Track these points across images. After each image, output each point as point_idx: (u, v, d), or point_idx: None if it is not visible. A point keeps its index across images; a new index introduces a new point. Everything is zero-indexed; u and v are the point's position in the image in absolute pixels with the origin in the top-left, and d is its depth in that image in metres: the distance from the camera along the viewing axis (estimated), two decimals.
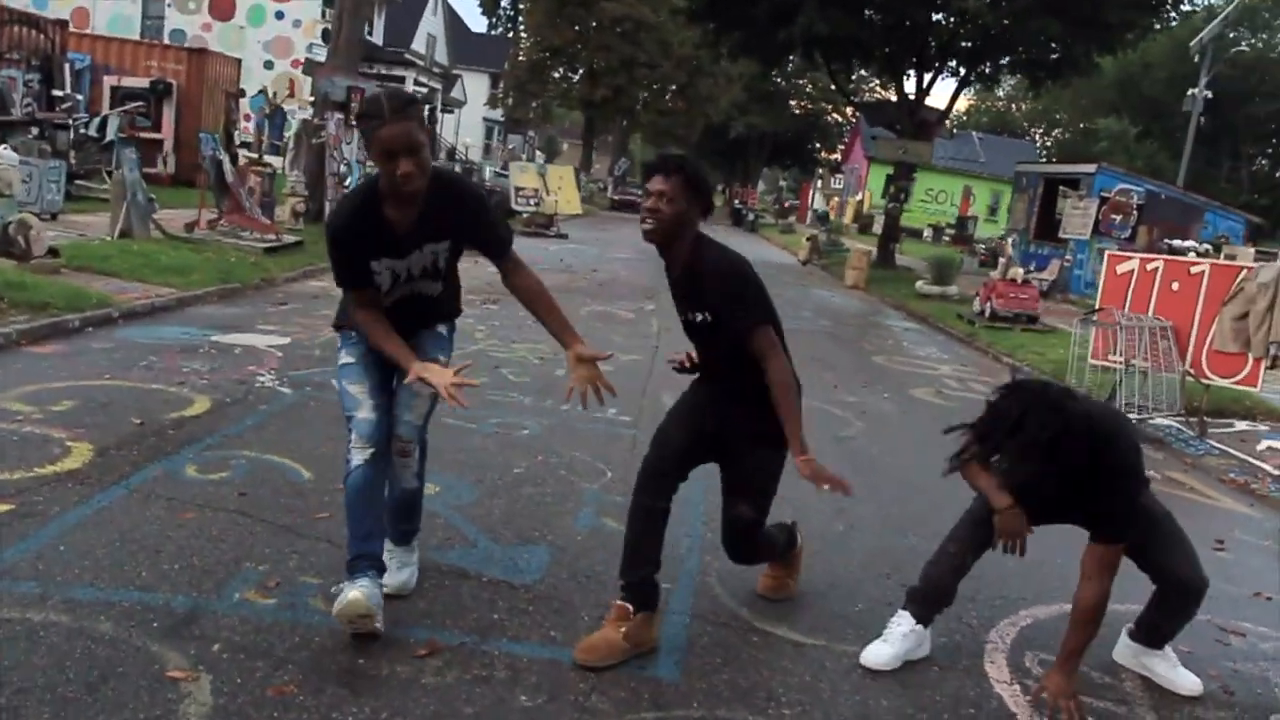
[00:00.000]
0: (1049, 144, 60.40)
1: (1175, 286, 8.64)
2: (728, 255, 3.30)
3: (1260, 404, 9.11)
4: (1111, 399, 8.74)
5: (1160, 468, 7.22)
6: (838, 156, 62.63)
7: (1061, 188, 21.95)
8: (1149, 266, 8.92)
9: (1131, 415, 8.29)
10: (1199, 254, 17.98)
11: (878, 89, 45.58)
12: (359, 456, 3.14)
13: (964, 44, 22.29)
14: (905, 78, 22.78)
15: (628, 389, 7.19)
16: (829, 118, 62.64)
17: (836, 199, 53.08)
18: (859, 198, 47.33)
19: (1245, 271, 8.31)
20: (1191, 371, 8.46)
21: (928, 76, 23.13)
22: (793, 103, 60.36)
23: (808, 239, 26.64)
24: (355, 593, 2.98)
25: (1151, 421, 8.34)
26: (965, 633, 3.82)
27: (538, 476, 4.96)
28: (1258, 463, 7.61)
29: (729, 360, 3.35)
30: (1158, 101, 47.84)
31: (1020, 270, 14.64)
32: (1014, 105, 64.82)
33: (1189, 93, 34.00)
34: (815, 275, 22.40)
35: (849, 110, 58.98)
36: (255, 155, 17.10)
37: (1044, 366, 11.11)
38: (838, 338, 12.33)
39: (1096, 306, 9.24)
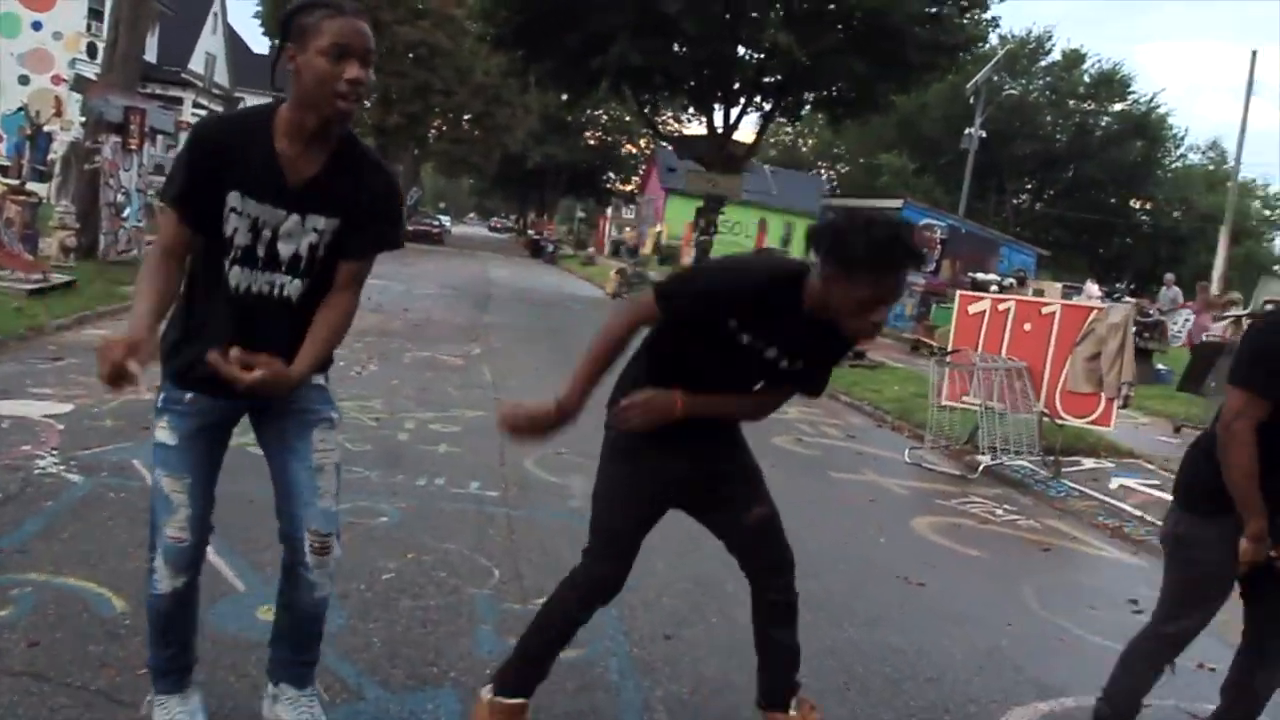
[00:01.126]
0: (834, 178, 63.06)
1: (1027, 327, 8.62)
2: None
3: (1102, 441, 9.21)
4: (971, 441, 8.63)
5: (1034, 514, 7.09)
6: (633, 188, 63.28)
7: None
8: (1000, 307, 8.88)
9: (985, 455, 8.17)
10: (1002, 287, 18.77)
11: (685, 121, 46.55)
12: (165, 583, 2.49)
13: (770, 79, 22.58)
14: (714, 111, 22.84)
15: (483, 455, 6.43)
16: (624, 149, 63.18)
17: (633, 230, 53.42)
18: (658, 229, 47.71)
19: (1096, 312, 8.38)
20: (1046, 412, 8.43)
21: (735, 110, 23.34)
22: (588, 134, 60.53)
23: (616, 271, 26.32)
24: None
25: (1010, 464, 8.23)
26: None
27: (413, 583, 4.08)
28: (1118, 503, 7.59)
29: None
30: (933, 140, 50.78)
31: None
32: (800, 140, 67.44)
33: (966, 131, 36.22)
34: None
35: (643, 143, 59.88)
36: (15, 182, 15.05)
37: (884, 405, 11.03)
38: None
39: (950, 348, 9.13)
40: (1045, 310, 8.63)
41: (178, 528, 2.46)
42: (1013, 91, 44.73)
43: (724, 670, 3.61)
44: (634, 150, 62.79)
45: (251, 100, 44.47)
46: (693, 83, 22.82)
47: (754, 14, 20.46)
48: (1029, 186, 53.15)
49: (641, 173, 60.85)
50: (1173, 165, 53.50)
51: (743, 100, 23.55)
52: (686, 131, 28.91)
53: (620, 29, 19.35)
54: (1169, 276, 23.28)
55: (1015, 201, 51.78)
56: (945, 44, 19.91)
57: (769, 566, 2.96)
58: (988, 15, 20.58)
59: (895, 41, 19.16)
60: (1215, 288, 30.98)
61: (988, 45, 22.01)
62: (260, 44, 54.21)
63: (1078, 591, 5.42)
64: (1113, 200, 50.60)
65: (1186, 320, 17.68)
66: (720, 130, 23.07)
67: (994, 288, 18.70)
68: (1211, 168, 55.29)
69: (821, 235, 2.51)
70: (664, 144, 33.91)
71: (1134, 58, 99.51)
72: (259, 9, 47.99)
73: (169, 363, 2.48)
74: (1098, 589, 5.52)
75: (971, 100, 37.45)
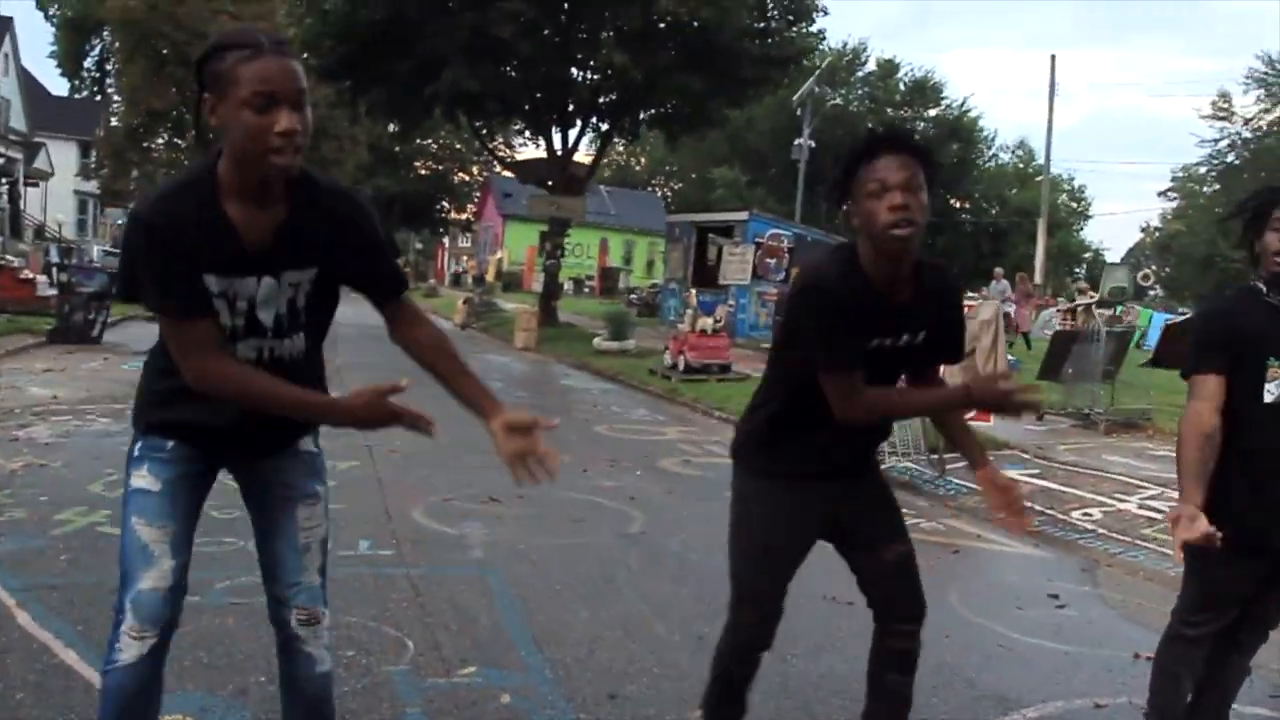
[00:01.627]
0: (669, 194, 63.79)
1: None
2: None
3: (977, 435, 9.33)
4: None
5: (933, 515, 7.06)
6: (468, 216, 62.37)
7: (711, 235, 22.73)
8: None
9: (881, 462, 8.15)
10: None
11: (517, 147, 46.25)
12: (132, 648, 2.15)
13: (605, 99, 22.52)
14: (552, 133, 22.60)
15: (365, 509, 5.97)
16: (456, 177, 62.22)
17: (472, 259, 52.70)
18: (498, 256, 47.16)
19: (967, 309, 8.49)
20: None
21: (573, 132, 23.19)
22: (418, 163, 59.33)
23: (464, 301, 25.79)
24: None
25: (898, 466, 8.25)
26: None
27: None
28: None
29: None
30: (762, 152, 52.03)
31: (710, 320, 14.63)
32: (633, 160, 68.00)
33: (795, 142, 37.39)
34: (478, 339, 21.53)
35: (476, 170, 59.14)
36: None
37: None
38: (545, 409, 11.47)
39: None
40: None
41: (157, 576, 2.19)
42: (837, 102, 46.28)
43: None
44: (466, 178, 61.91)
45: (54, 145, 41.73)
46: (528, 106, 22.55)
47: (584, 35, 20.39)
48: None
49: (477, 200, 60.11)
50: (986, 165, 56.44)
51: (579, 121, 23.43)
52: (520, 156, 28.48)
53: (452, 54, 18.89)
54: (997, 270, 24.39)
55: (844, 208, 53.52)
56: (776, 57, 20.27)
57: (901, 612, 2.79)
58: (814, 29, 21.09)
59: (728, 57, 19.38)
60: (1038, 277, 32.82)
61: (815, 56, 22.41)
62: (58, 85, 50.95)
63: (999, 592, 5.36)
64: (935, 201, 52.80)
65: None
66: (560, 153, 22.84)
67: None
68: (1021, 165, 58.61)
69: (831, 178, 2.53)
70: (500, 170, 33.51)
71: (941, 66, 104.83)
72: (54, 48, 45.17)
73: (156, 411, 2.27)
74: (1017, 587, 5.48)
75: (799, 112, 38.64)
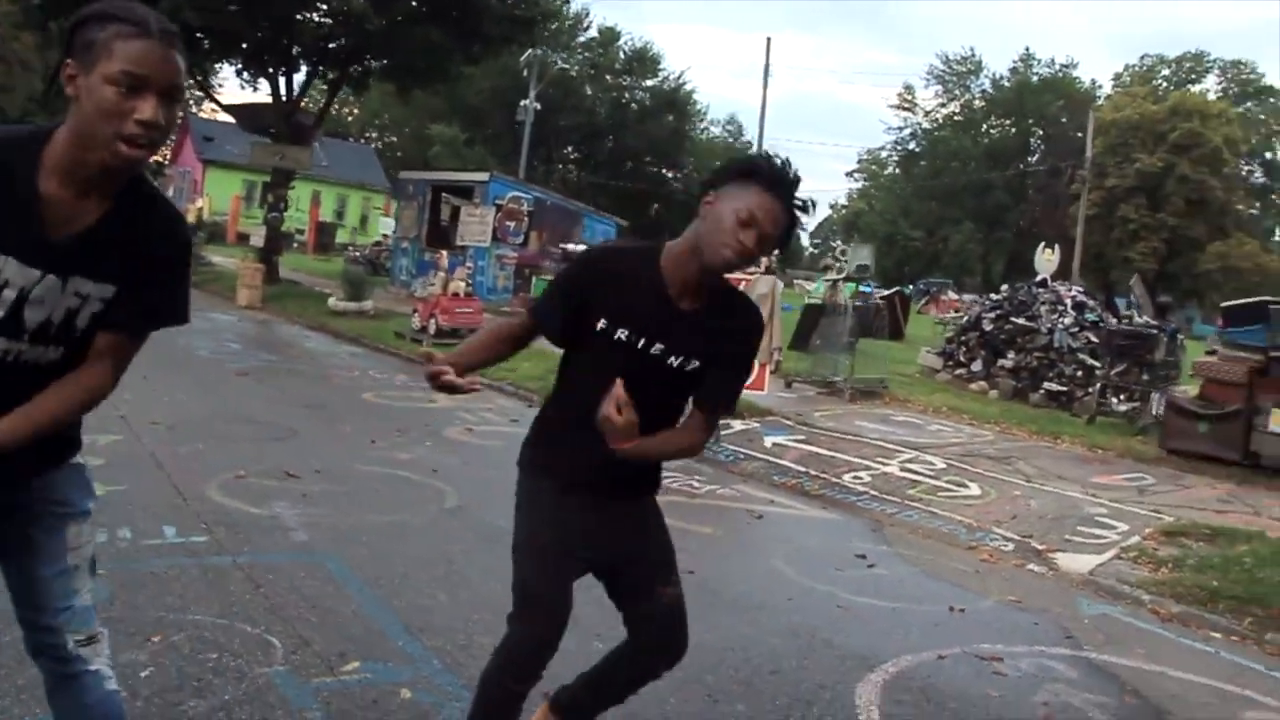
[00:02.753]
0: (381, 148, 61.46)
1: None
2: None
3: (742, 402, 9.80)
4: None
5: (723, 482, 7.37)
6: (161, 159, 57.19)
7: (445, 195, 22.19)
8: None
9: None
10: None
11: (218, 88, 42.51)
12: None
13: (336, 45, 21.31)
14: (277, 78, 21.11)
15: (154, 491, 5.42)
16: None
17: None
18: (198, 205, 43.56)
19: (744, 284, 8.83)
20: None
21: (300, 78, 21.82)
22: None
23: None
24: None
25: None
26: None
27: (185, 677, 3.24)
28: (779, 460, 8.14)
29: (668, 414, 2.49)
30: (482, 111, 51.31)
31: (461, 284, 14.32)
32: (345, 110, 64.96)
33: (521, 103, 37.16)
34: (192, 295, 19.87)
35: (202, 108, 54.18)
36: None
37: (526, 384, 10.90)
38: (302, 374, 10.87)
39: None
40: None
41: None
42: (566, 67, 46.35)
43: None
44: None
45: None
46: (246, 45, 20.89)
47: None
48: (574, 157, 55.58)
49: (171, 143, 55.20)
50: (700, 138, 58.71)
51: (304, 67, 22.04)
52: (226, 100, 26.09)
53: None
54: None
55: (562, 170, 53.95)
56: (521, 18, 19.97)
57: (666, 652, 2.67)
58: None
59: (473, 13, 18.88)
60: None
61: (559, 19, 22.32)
62: None
63: (813, 555, 5.67)
64: (651, 170, 54.45)
65: None
66: (285, 99, 21.40)
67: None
68: (731, 140, 61.49)
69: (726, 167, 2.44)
70: (214, 112, 30.67)
71: (655, 38, 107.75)
72: None
73: None
74: (826, 549, 5.83)
75: (525, 73, 38.34)
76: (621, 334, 2.37)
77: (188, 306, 2.09)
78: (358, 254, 28.69)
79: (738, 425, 9.29)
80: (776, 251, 4.64)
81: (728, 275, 2.47)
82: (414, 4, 18.85)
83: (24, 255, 1.82)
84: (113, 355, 1.97)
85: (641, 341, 2.38)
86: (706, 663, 3.73)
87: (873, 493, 7.31)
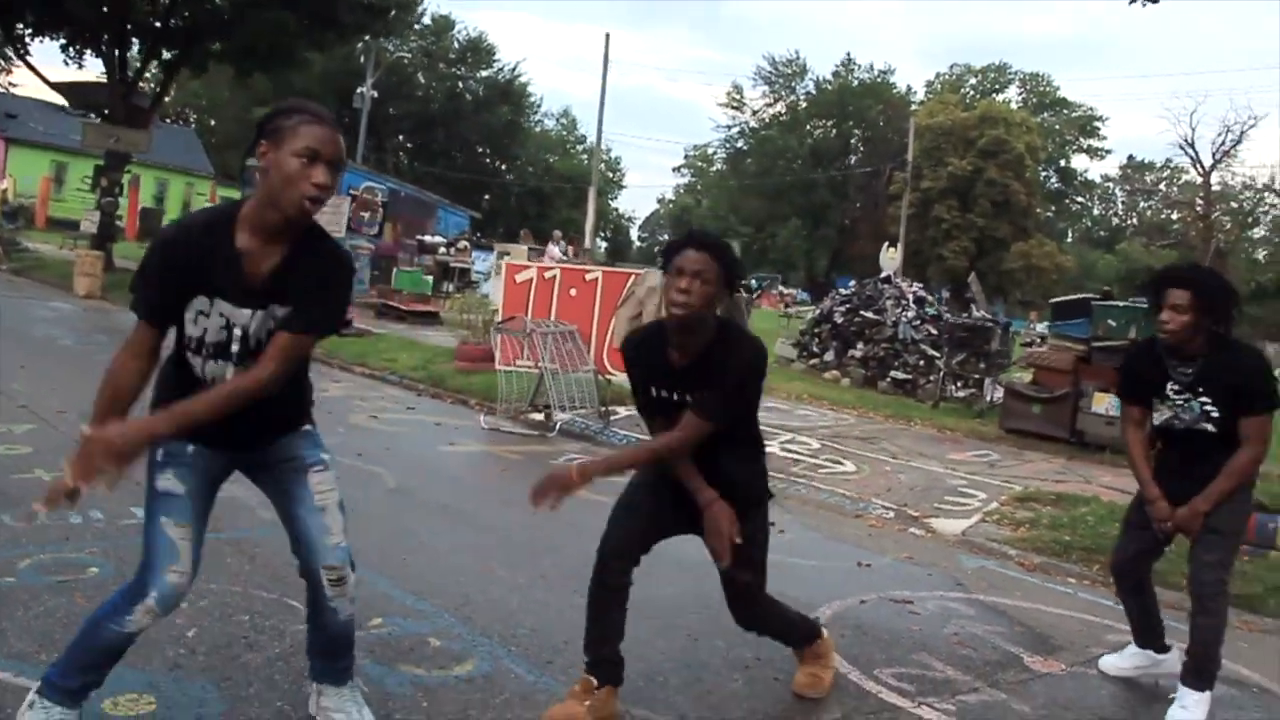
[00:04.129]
0: (202, 131, 58.82)
1: (573, 293, 9.39)
2: (754, 342, 3.20)
3: (624, 389, 10.35)
4: (532, 402, 9.21)
5: None
6: None
7: None
8: (546, 275, 9.53)
9: (557, 413, 8.86)
10: (451, 247, 19.48)
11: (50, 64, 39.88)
12: (142, 622, 2.56)
13: (175, 23, 20.58)
14: (112, 55, 20.19)
15: None
16: None
17: None
18: (3, 186, 40.67)
19: (634, 277, 9.40)
20: (597, 369, 9.30)
21: (135, 57, 20.96)
22: None
23: None
24: None
25: (575, 420, 8.98)
26: None
27: (226, 633, 3.53)
28: None
29: (719, 441, 3.19)
30: (310, 95, 49.66)
31: None
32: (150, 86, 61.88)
33: (358, 90, 36.61)
34: (19, 284, 18.87)
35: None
36: None
37: (409, 374, 11.13)
38: None
39: (502, 315, 9.56)
40: (589, 277, 9.49)
41: (182, 572, 2.56)
42: (401, 55, 45.66)
43: None
44: None
45: None
46: (75, 17, 19.85)
47: None
48: (407, 146, 54.84)
49: None
50: (534, 130, 58.93)
51: (137, 45, 21.22)
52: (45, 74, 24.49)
53: None
54: (556, 233, 25.94)
55: (395, 159, 53.18)
56: (377, 6, 19.84)
57: (731, 606, 3.47)
58: None
59: (328, 1, 18.67)
60: (587, 241, 35.33)
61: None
62: None
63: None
64: (485, 160, 54.35)
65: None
66: (120, 78, 20.50)
67: (442, 250, 19.49)
68: (565, 133, 61.97)
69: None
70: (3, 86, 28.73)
71: (489, 24, 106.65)
72: None
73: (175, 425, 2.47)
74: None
75: (361, 60, 37.67)
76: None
77: (336, 319, 2.64)
78: None
79: (623, 412, 9.84)
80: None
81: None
82: None
83: (237, 299, 2.46)
84: (281, 352, 2.48)
85: (656, 392, 3.22)
86: (677, 611, 4.27)
87: (846, 495, 8.00)
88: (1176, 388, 3.76)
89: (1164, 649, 4.12)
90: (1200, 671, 3.71)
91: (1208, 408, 3.69)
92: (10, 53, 21.12)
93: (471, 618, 3.96)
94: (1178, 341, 3.68)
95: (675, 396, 3.15)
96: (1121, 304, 9.90)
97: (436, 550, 4.93)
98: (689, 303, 2.96)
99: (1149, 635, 4.11)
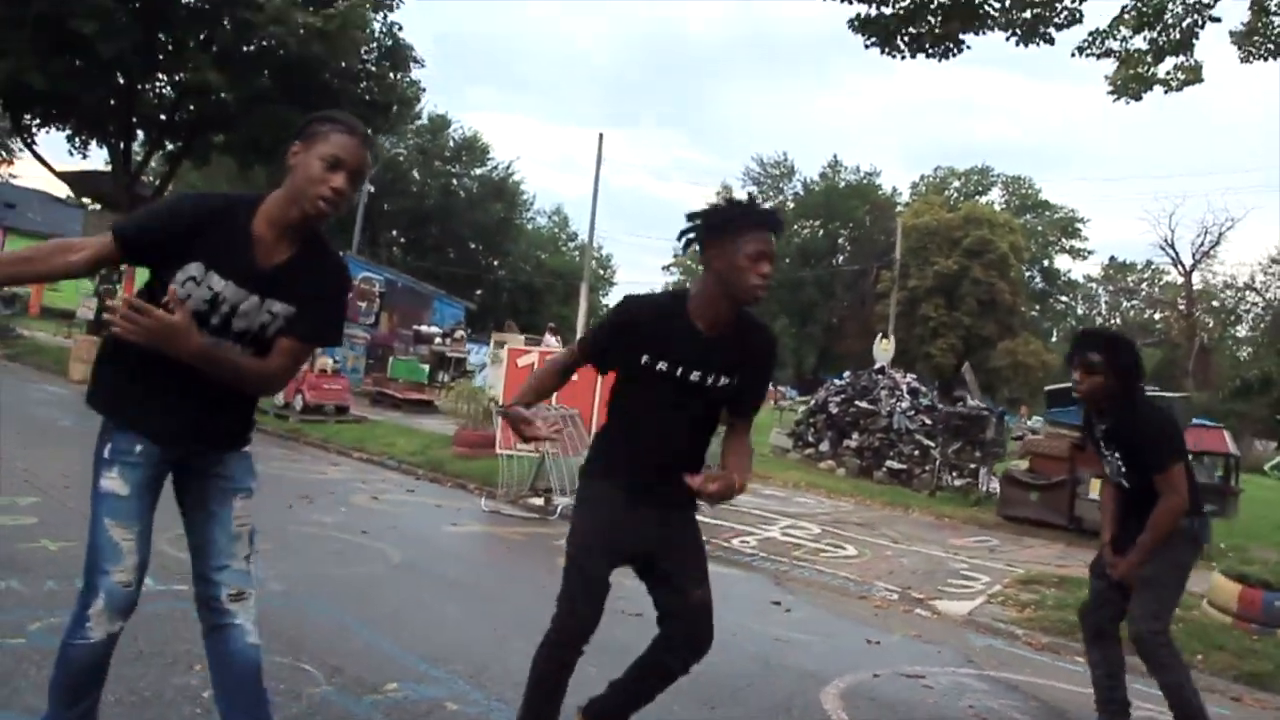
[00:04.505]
0: None
1: (574, 377, 9.40)
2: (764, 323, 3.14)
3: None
4: (533, 485, 9.20)
5: None
6: None
7: None
8: (548, 359, 9.56)
9: (558, 497, 8.84)
10: (445, 337, 19.60)
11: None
12: (100, 630, 2.52)
13: (181, 116, 21.05)
14: (119, 145, 20.61)
15: None
16: None
17: None
18: None
19: None
20: None
21: (136, 146, 21.37)
22: None
23: None
24: None
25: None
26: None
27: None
28: None
29: (704, 431, 3.08)
30: None
31: (330, 361, 14.35)
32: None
33: None
34: (13, 369, 18.83)
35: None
36: None
37: (407, 459, 11.13)
38: None
39: (503, 399, 9.58)
40: None
41: (126, 573, 2.52)
42: (400, 152, 46.54)
43: None
44: None
45: None
46: (84, 110, 20.31)
47: (170, 46, 19.06)
48: (402, 240, 55.47)
49: None
50: (527, 226, 59.77)
51: (143, 135, 21.65)
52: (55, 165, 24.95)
53: (17, 43, 16.74)
54: (551, 325, 26.18)
55: (388, 253, 53.75)
56: (379, 103, 20.35)
57: (689, 646, 3.12)
58: (415, 78, 21.46)
59: (329, 95, 19.11)
60: (579, 333, 35.63)
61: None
62: None
63: (736, 601, 6.19)
64: (478, 256, 54.95)
65: None
66: (124, 168, 20.88)
67: (438, 340, 19.62)
68: (557, 229, 62.86)
69: (702, 217, 2.97)
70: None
71: (482, 124, 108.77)
72: None
73: (127, 408, 2.58)
74: (744, 596, 6.43)
75: None
76: (662, 366, 2.91)
77: (341, 332, 2.77)
78: None
79: None
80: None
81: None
82: (267, 80, 18.94)
83: (239, 279, 2.51)
84: (288, 355, 2.60)
85: (683, 371, 2.91)
86: (693, 680, 4.23)
87: (762, 554, 7.98)
88: (1100, 441, 4.02)
89: None
90: None
91: (1119, 463, 3.95)
92: (17, 143, 21.31)
93: (485, 685, 3.93)
94: (1087, 399, 3.99)
95: (687, 374, 2.90)
96: None
97: (446, 619, 4.92)
98: (766, 290, 2.91)
99: (1107, 703, 4.04)
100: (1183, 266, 48.98)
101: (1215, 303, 51.87)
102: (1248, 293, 49.39)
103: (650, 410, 2.96)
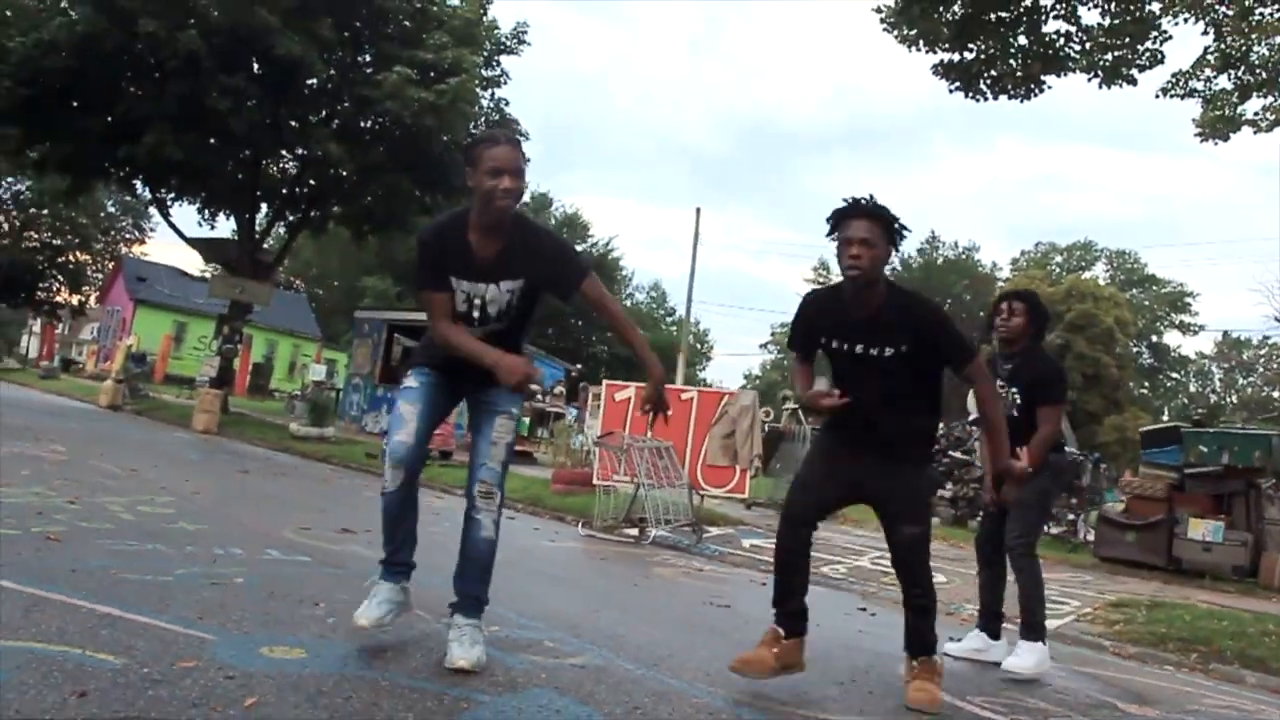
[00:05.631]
0: (310, 297, 62.27)
1: (669, 412, 9.76)
2: (922, 296, 3.78)
3: (713, 513, 10.59)
4: (627, 516, 9.50)
5: (722, 568, 8.07)
6: (80, 298, 56.62)
7: (397, 335, 23.00)
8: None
9: (651, 528, 9.11)
10: (545, 394, 20.15)
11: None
12: (393, 480, 3.43)
13: (302, 188, 22.37)
14: (244, 215, 21.97)
15: (234, 529, 5.97)
16: (73, 256, 56.50)
17: (95, 344, 48.05)
18: (128, 342, 43.36)
19: (728, 397, 9.79)
20: (692, 484, 9.58)
21: (260, 216, 22.71)
22: (30, 233, 53.34)
23: (115, 380, 23.85)
24: (362, 620, 3.50)
25: (668, 535, 9.22)
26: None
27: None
28: (760, 557, 8.89)
29: (896, 393, 3.62)
30: (411, 265, 52.44)
31: None
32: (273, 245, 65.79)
33: None
34: (141, 422, 20.03)
35: (99, 249, 54.26)
36: None
37: (510, 494, 11.46)
38: (299, 475, 11.36)
39: (600, 431, 9.99)
40: (684, 396, 9.90)
41: (406, 435, 3.40)
42: None
43: None
44: (84, 257, 56.36)
45: None
46: (215, 183, 21.74)
47: (295, 122, 20.37)
48: None
49: (97, 282, 55.05)
50: (625, 302, 60.86)
51: (266, 206, 23.02)
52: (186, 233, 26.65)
53: (155, 118, 18.15)
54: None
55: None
56: None
57: (901, 577, 3.85)
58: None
59: (436, 164, 20.14)
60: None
61: None
62: None
63: (825, 607, 6.41)
64: (580, 333, 56.19)
65: None
66: (250, 235, 22.20)
67: (539, 397, 20.20)
68: (656, 305, 63.82)
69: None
70: (133, 252, 31.04)
71: (587, 208, 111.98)
72: None
73: (422, 356, 3.65)
74: (833, 605, 6.59)
75: None
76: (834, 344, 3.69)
77: (589, 270, 3.50)
78: (298, 394, 28.98)
79: (715, 531, 10.06)
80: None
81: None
82: (382, 153, 20.06)
83: (470, 276, 3.39)
84: (598, 296, 3.52)
85: (838, 345, 3.67)
86: (822, 661, 4.47)
87: (851, 579, 8.11)
88: (1003, 380, 4.69)
89: (996, 636, 4.96)
90: (1029, 625, 4.60)
91: (1015, 398, 4.64)
92: (148, 221, 22.93)
93: (581, 634, 4.23)
94: (1008, 336, 4.79)
95: (854, 348, 3.62)
96: (1212, 430, 9.92)
97: (544, 595, 5.23)
98: (859, 266, 3.46)
99: (988, 616, 4.99)
100: None
101: None
102: None
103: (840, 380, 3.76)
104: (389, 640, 3.64)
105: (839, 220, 3.58)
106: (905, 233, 3.61)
